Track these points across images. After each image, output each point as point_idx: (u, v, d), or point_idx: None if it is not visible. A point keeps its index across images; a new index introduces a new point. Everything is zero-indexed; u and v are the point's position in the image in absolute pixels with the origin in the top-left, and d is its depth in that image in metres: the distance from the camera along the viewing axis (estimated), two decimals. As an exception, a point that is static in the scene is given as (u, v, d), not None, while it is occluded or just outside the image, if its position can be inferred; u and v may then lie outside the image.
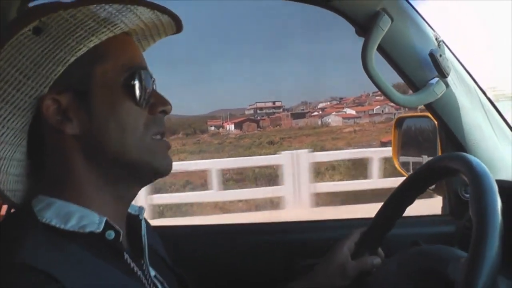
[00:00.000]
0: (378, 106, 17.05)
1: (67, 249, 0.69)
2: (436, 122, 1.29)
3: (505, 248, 0.72)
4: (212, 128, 22.49)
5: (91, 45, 0.74)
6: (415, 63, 1.12)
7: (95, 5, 0.75)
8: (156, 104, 0.81)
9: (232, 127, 23.35)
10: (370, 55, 1.04)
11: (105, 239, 0.74)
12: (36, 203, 0.74)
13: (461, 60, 1.16)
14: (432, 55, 1.08)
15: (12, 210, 0.83)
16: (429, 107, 1.18)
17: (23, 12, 0.84)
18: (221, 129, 23.10)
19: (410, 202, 1.00)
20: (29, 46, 0.72)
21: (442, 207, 1.38)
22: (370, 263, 1.05)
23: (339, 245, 1.08)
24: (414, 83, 1.14)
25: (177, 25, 0.86)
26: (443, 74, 1.10)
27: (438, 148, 1.34)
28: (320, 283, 1.06)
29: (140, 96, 0.78)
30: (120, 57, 0.78)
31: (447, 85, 1.12)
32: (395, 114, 16.13)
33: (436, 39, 1.10)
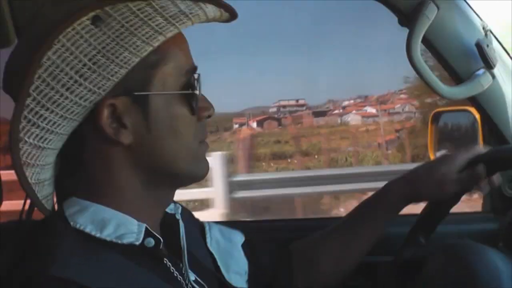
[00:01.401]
0: (399, 105, 16.87)
1: (102, 257, 0.65)
2: (477, 116, 1.25)
3: None
4: (236, 126, 22.50)
5: (157, 44, 0.66)
6: (461, 53, 1.08)
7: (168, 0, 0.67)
8: (202, 108, 0.75)
9: (254, 125, 23.35)
10: (415, 45, 1.00)
11: (144, 246, 0.69)
12: (68, 206, 0.69)
13: (508, 50, 1.12)
14: (478, 45, 1.04)
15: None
16: (473, 99, 1.14)
17: None
18: (243, 127, 23.13)
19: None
20: (87, 40, 0.63)
21: (483, 204, 1.34)
22: (474, 181, 0.96)
23: (452, 156, 0.98)
24: (459, 75, 1.09)
25: (231, 19, 0.78)
26: (489, 65, 1.06)
27: (479, 143, 1.30)
28: (416, 190, 0.99)
29: (196, 104, 0.72)
30: (179, 58, 0.71)
31: (493, 77, 1.08)
32: (415, 113, 15.94)
33: (483, 28, 1.06)
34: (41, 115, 0.64)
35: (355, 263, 1.04)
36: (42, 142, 0.65)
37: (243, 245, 0.98)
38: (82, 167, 0.71)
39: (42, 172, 0.69)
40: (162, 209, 0.79)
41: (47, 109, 0.63)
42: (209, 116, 0.77)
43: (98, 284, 0.60)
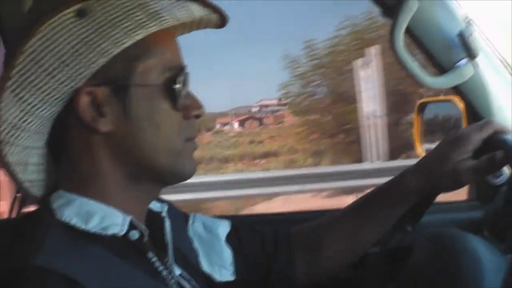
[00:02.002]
0: None
1: (87, 250, 0.66)
2: (461, 105, 1.27)
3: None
4: (218, 126, 22.41)
5: (138, 38, 0.68)
6: (443, 44, 1.08)
7: None
8: (190, 107, 0.76)
9: (236, 125, 23.30)
10: (398, 36, 1.01)
11: (128, 239, 0.71)
12: (55, 199, 0.71)
13: (490, 40, 1.13)
14: (461, 35, 1.05)
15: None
16: (456, 89, 1.15)
17: None
18: (226, 127, 23.06)
19: None
20: (71, 30, 0.66)
21: (468, 193, 1.36)
22: (492, 170, 0.91)
23: (464, 136, 0.91)
24: (442, 65, 1.10)
25: (222, 23, 0.81)
26: (472, 55, 1.07)
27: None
28: (431, 183, 0.95)
29: (178, 99, 0.73)
30: (163, 54, 0.73)
31: (476, 67, 1.09)
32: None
33: (465, 18, 1.07)
34: (21, 97, 0.67)
35: (360, 253, 1.03)
36: (22, 123, 0.69)
37: (228, 236, 0.98)
38: (67, 156, 0.74)
39: (24, 154, 0.72)
40: (145, 204, 0.80)
41: (28, 91, 0.67)
42: (197, 116, 0.78)
43: (81, 275, 0.61)
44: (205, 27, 0.83)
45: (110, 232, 0.69)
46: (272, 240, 1.02)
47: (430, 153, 0.98)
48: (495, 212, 1.13)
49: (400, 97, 10.97)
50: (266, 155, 16.79)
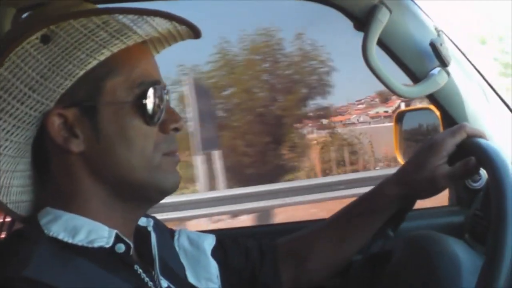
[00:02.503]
0: (355, 115, 17.00)
1: (75, 263, 0.68)
2: (438, 113, 1.29)
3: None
4: None
5: (102, 58, 0.70)
6: (416, 53, 1.11)
7: (108, 15, 0.70)
8: (167, 121, 0.77)
9: None
10: (370, 48, 1.04)
11: (114, 252, 0.72)
12: (42, 216, 0.72)
13: (460, 48, 1.16)
14: (433, 44, 1.08)
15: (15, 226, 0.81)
16: (431, 97, 1.17)
17: (29, 18, 0.79)
18: None
19: None
20: (35, 56, 0.68)
21: (449, 198, 1.38)
22: (467, 176, 0.95)
23: (437, 143, 0.93)
24: (415, 74, 1.13)
25: (195, 34, 0.81)
26: (444, 63, 1.09)
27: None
28: (409, 190, 0.97)
29: (151, 115, 0.73)
30: (132, 71, 0.74)
31: (448, 74, 1.11)
32: (370, 122, 16.24)
33: (435, 28, 1.10)
34: None
35: (345, 261, 1.05)
36: None
37: (214, 249, 0.99)
38: (50, 177, 0.75)
39: (6, 177, 0.73)
40: (133, 221, 0.81)
41: (0, 118, 0.69)
42: (176, 129, 0.79)
43: (68, 286, 0.62)
44: (183, 39, 0.84)
45: (96, 245, 0.70)
46: (257, 251, 1.03)
47: (407, 162, 1.01)
48: (474, 216, 1.15)
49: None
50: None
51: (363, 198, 1.04)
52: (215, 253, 0.99)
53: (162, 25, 0.76)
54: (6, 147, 0.71)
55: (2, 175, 0.72)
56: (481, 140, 0.89)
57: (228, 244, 1.02)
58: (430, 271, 0.82)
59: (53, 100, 0.70)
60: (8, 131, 0.70)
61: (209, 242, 1.00)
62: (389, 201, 0.99)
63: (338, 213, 1.06)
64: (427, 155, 0.95)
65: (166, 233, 0.98)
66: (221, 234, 1.05)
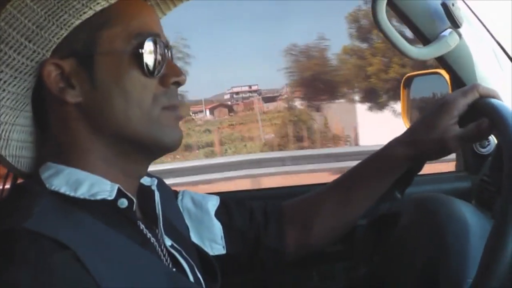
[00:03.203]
0: None
1: (77, 217, 0.67)
2: (447, 77, 1.27)
3: None
4: (192, 114, 22.38)
5: (98, 8, 0.70)
6: (427, 14, 1.08)
7: None
8: (168, 74, 0.76)
9: (208, 112, 23.33)
10: (381, 9, 1.00)
11: (117, 207, 0.72)
12: (43, 170, 0.72)
13: (473, 9, 1.13)
14: (444, 4, 1.04)
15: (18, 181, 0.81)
16: (441, 60, 1.15)
17: None
18: (197, 115, 23.03)
19: None
20: (31, 7, 0.68)
21: (456, 163, 1.37)
22: (478, 138, 0.91)
23: (449, 102, 0.90)
24: (425, 36, 1.10)
25: None
26: (456, 25, 1.06)
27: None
28: (418, 151, 0.95)
29: (149, 66, 0.72)
30: (130, 22, 0.73)
31: (460, 36, 1.09)
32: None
33: (447, -12, 1.07)
34: None
35: (350, 225, 1.04)
36: None
37: (218, 210, 0.99)
38: (49, 130, 0.75)
39: (5, 129, 0.73)
40: (134, 178, 0.80)
41: None
42: (177, 83, 0.77)
43: (71, 241, 0.61)
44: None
45: (99, 197, 0.70)
46: (261, 213, 1.02)
47: (416, 122, 0.98)
48: (481, 181, 1.14)
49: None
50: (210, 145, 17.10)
51: (370, 159, 1.02)
52: (218, 214, 0.99)
53: None
54: (3, 97, 0.71)
55: (0, 127, 0.72)
56: (495, 101, 0.85)
57: (232, 205, 1.02)
58: (437, 234, 0.81)
59: (48, 50, 0.70)
60: (5, 81, 0.70)
61: (213, 203, 1.00)
62: (397, 161, 0.97)
63: (345, 174, 1.05)
64: (437, 114, 0.92)
65: (170, 193, 0.97)
66: (225, 196, 1.04)
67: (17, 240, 0.60)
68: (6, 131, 0.73)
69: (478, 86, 0.91)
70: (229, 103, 24.61)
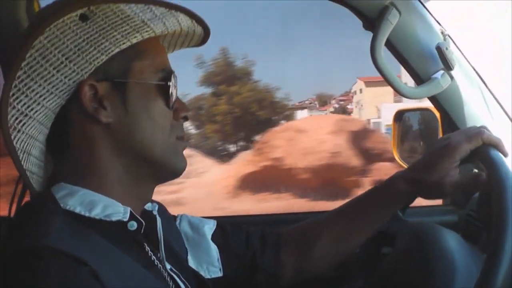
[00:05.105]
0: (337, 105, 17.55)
1: (90, 237, 0.71)
2: (438, 115, 1.32)
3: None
4: None
5: (134, 41, 0.77)
6: (422, 56, 1.14)
7: (143, 5, 0.77)
8: (179, 109, 0.84)
9: None
10: (379, 48, 1.06)
11: (127, 229, 0.75)
12: (57, 190, 0.75)
13: (464, 53, 1.19)
14: (439, 48, 1.10)
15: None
16: (433, 99, 1.20)
17: None
18: None
19: None
20: (74, 30, 0.74)
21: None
22: (476, 189, 0.95)
23: (452, 144, 0.93)
24: (419, 76, 1.16)
25: (205, 38, 0.92)
26: (448, 67, 1.12)
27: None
28: (419, 190, 1.00)
29: (171, 98, 0.81)
30: (156, 57, 0.82)
31: (452, 78, 1.14)
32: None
33: (442, 33, 1.13)
34: (30, 87, 0.73)
35: (348, 253, 1.08)
36: (29, 111, 0.74)
37: (214, 234, 1.02)
38: (68, 149, 0.78)
39: (29, 143, 0.76)
40: (142, 201, 0.85)
41: (36, 82, 0.73)
42: (185, 118, 0.86)
43: (86, 256, 0.64)
44: (188, 46, 0.94)
45: (114, 218, 0.74)
46: (258, 237, 1.06)
47: (419, 161, 1.02)
48: (468, 216, 1.19)
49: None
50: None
51: (375, 189, 1.07)
52: (215, 237, 1.02)
53: (184, 21, 0.84)
54: (36, 111, 0.74)
55: (26, 139, 0.76)
56: (496, 154, 0.87)
57: (228, 229, 1.05)
58: (427, 267, 0.84)
59: (87, 72, 0.75)
60: (41, 95, 0.74)
61: (210, 227, 1.03)
62: (398, 195, 1.03)
63: (347, 204, 1.09)
64: (439, 156, 0.96)
65: (170, 218, 1.01)
66: (223, 221, 1.07)
67: (41, 257, 0.62)
68: (29, 145, 0.76)
69: (483, 134, 0.92)
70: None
